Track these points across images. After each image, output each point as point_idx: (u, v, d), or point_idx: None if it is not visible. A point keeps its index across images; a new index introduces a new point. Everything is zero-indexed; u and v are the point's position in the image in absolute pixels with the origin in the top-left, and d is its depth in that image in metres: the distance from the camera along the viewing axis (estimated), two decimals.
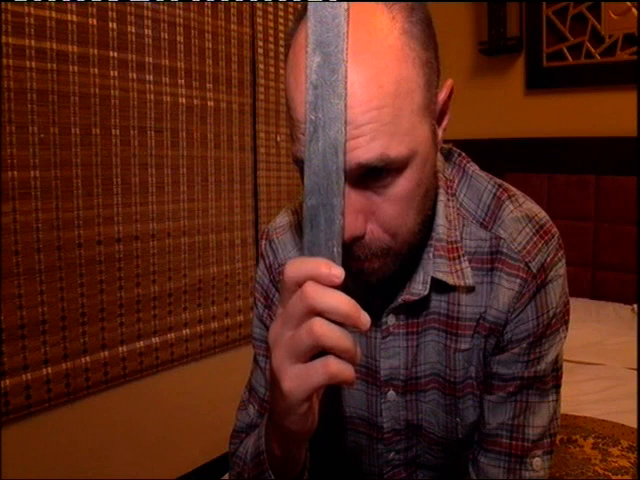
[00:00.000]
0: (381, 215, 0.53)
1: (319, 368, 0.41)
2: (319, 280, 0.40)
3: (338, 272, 0.40)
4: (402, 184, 0.52)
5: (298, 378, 0.42)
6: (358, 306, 0.41)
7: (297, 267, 0.42)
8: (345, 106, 0.41)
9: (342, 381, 0.41)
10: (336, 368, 0.41)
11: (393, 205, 0.52)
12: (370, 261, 0.55)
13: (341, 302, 0.40)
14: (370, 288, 0.62)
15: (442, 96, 0.56)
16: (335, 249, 0.42)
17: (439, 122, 0.57)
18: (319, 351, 0.41)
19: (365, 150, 0.48)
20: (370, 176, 0.50)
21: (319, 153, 0.42)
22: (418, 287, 0.62)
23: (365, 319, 0.41)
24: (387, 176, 0.51)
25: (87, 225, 1.56)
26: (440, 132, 0.58)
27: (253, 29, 2.01)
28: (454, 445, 0.69)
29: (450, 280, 0.62)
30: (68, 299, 1.53)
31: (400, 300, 0.63)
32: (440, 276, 0.62)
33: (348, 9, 0.41)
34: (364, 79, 0.46)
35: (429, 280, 0.62)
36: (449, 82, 0.56)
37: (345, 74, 0.41)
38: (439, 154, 0.65)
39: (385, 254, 0.55)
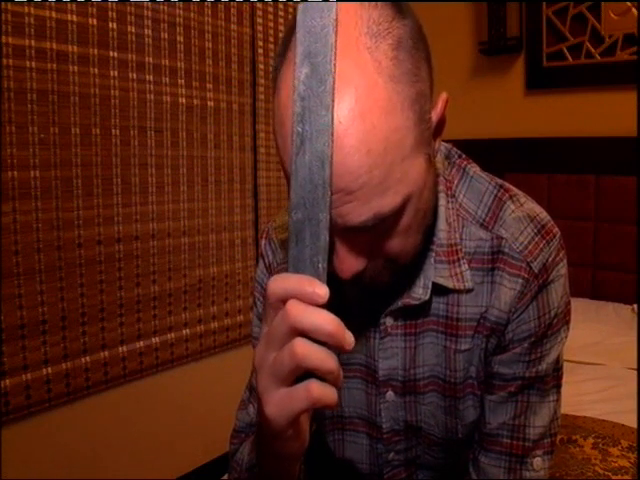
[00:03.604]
0: (383, 249, 0.54)
1: (301, 393, 0.40)
2: (302, 298, 0.39)
3: (322, 291, 0.39)
4: (400, 222, 0.52)
5: (280, 403, 0.41)
6: (342, 325, 0.39)
7: (280, 284, 0.40)
8: (332, 118, 0.41)
9: (325, 405, 0.40)
10: (318, 392, 0.39)
11: (393, 239, 0.53)
12: (372, 278, 0.57)
13: (325, 321, 0.39)
14: (368, 289, 0.62)
15: (438, 111, 0.54)
16: (320, 265, 0.41)
17: (436, 135, 0.56)
18: (302, 373, 0.40)
19: (357, 214, 0.48)
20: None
21: (305, 166, 0.41)
22: (419, 292, 0.62)
23: (349, 339, 0.40)
24: (384, 224, 0.51)
25: (87, 225, 1.56)
26: (437, 143, 0.57)
27: (253, 29, 2.01)
28: (454, 445, 0.69)
29: (450, 284, 0.62)
30: (68, 299, 1.53)
31: (400, 304, 0.63)
32: (441, 281, 0.62)
33: (337, 19, 0.40)
34: (352, 144, 0.45)
35: (430, 285, 0.62)
36: (444, 96, 0.55)
37: (333, 85, 0.40)
38: (440, 155, 0.65)
39: (388, 272, 0.57)
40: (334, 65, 0.40)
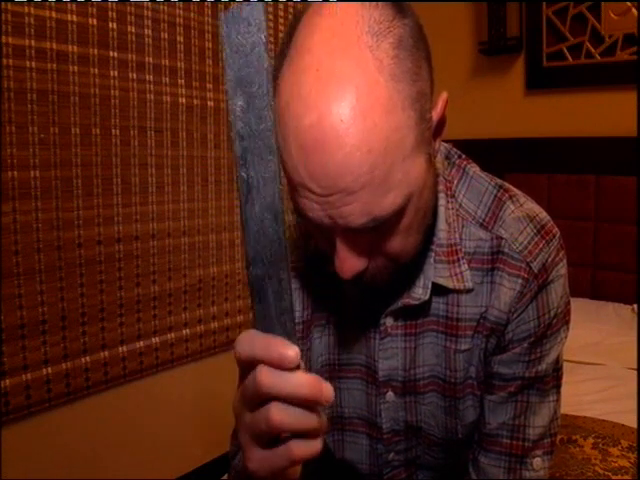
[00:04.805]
0: (384, 249, 0.54)
1: (282, 454, 0.39)
2: (271, 364, 0.37)
3: (292, 355, 0.36)
4: (401, 222, 0.52)
5: (262, 461, 0.40)
6: (318, 382, 0.37)
7: (247, 346, 0.38)
8: (279, 163, 0.35)
9: (309, 458, 0.39)
10: (300, 453, 0.38)
11: (394, 239, 0.53)
12: (372, 278, 0.56)
13: (298, 386, 0.37)
14: (368, 289, 0.62)
15: (438, 111, 0.54)
16: (288, 324, 0.37)
17: (436, 135, 0.56)
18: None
19: (359, 215, 0.48)
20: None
21: (257, 219, 0.36)
22: (419, 292, 0.62)
23: (328, 394, 0.38)
24: (385, 224, 0.51)
25: (87, 225, 1.56)
26: (437, 143, 0.57)
27: None
28: (454, 445, 0.69)
29: (450, 284, 0.62)
30: (68, 299, 1.53)
31: (400, 304, 0.63)
32: (441, 281, 0.62)
33: (267, 35, 0.34)
34: (353, 143, 0.45)
35: (430, 285, 0.62)
36: (444, 96, 0.55)
37: (272, 122, 0.35)
38: (440, 155, 0.65)
39: (388, 272, 0.57)
40: (272, 97, 0.34)
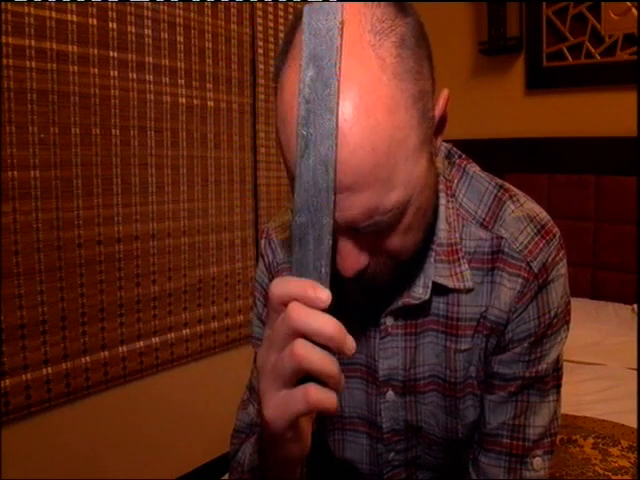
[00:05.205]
0: (384, 247, 0.54)
1: (299, 396, 0.40)
2: (304, 302, 0.39)
3: (324, 296, 0.39)
4: (402, 221, 0.52)
5: (279, 406, 0.41)
6: (344, 329, 0.40)
7: (282, 287, 0.41)
8: (336, 122, 0.40)
9: (324, 410, 0.40)
10: (316, 396, 0.39)
11: (395, 237, 0.53)
12: (373, 276, 0.57)
13: (325, 324, 0.39)
14: (369, 289, 0.62)
15: (439, 109, 0.54)
16: (323, 269, 0.41)
17: (437, 133, 0.56)
18: (303, 376, 0.40)
19: (361, 215, 0.48)
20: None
21: (309, 170, 0.41)
22: (419, 291, 0.62)
23: (350, 343, 0.40)
24: (387, 223, 0.51)
25: (87, 225, 1.56)
26: (439, 141, 0.57)
27: (253, 29, 2.01)
28: (454, 445, 0.69)
29: (450, 284, 0.62)
30: (68, 299, 1.53)
31: (400, 303, 0.63)
32: (441, 281, 0.62)
33: (342, 22, 0.40)
34: (356, 142, 0.45)
35: (430, 284, 0.62)
36: (445, 93, 0.55)
37: (337, 89, 0.40)
38: (440, 155, 0.65)
39: (389, 270, 0.57)
40: (339, 68, 0.40)
